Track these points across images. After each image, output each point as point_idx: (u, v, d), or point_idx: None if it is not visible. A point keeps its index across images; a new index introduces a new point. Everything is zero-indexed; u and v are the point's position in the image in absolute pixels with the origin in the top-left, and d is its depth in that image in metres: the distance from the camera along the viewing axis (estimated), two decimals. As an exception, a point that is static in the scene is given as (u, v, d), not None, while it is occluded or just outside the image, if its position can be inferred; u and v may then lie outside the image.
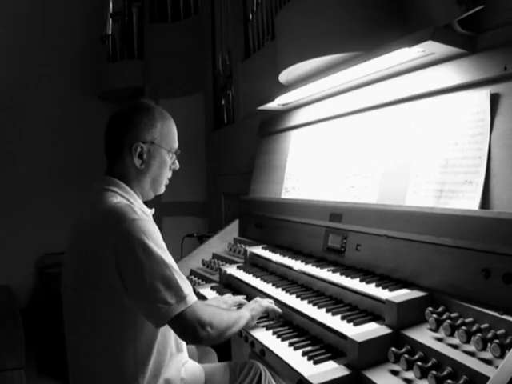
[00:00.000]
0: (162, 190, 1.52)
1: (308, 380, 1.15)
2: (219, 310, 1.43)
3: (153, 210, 1.51)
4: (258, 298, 1.61)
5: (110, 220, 1.25)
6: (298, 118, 2.35)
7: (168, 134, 1.46)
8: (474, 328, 1.09)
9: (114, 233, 1.22)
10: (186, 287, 1.26)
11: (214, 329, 1.28)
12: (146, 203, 1.49)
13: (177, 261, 2.79)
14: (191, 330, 1.25)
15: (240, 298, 1.75)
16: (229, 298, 1.75)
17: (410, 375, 1.10)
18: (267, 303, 1.58)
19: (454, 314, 1.19)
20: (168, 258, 1.26)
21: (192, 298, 1.26)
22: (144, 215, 1.29)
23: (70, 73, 5.42)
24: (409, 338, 1.19)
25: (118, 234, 1.21)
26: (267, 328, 1.51)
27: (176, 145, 1.50)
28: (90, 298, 1.27)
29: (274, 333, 1.47)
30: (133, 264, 1.21)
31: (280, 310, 1.58)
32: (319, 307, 1.47)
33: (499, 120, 1.29)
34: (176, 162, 1.52)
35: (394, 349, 1.15)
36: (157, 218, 1.48)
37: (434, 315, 1.19)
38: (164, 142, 1.44)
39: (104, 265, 1.22)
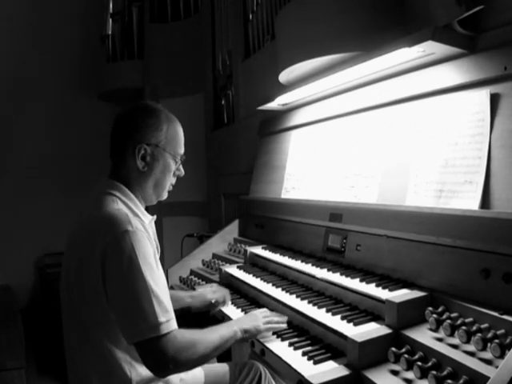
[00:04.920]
0: (165, 195, 1.47)
1: (308, 380, 1.15)
2: (199, 339, 1.24)
3: (154, 216, 1.45)
4: (259, 317, 1.46)
5: (104, 226, 1.22)
6: (297, 117, 2.35)
7: (174, 138, 1.41)
8: (474, 328, 1.09)
9: (105, 240, 1.19)
10: (163, 315, 1.17)
11: (178, 366, 1.19)
12: (148, 209, 1.44)
13: (177, 261, 2.78)
14: (152, 360, 1.17)
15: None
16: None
17: (410, 375, 1.10)
18: (266, 326, 1.44)
19: (454, 314, 1.19)
20: (153, 277, 1.19)
21: (167, 327, 1.16)
22: (140, 227, 1.24)
23: (70, 73, 5.43)
24: (409, 337, 1.19)
25: (108, 242, 1.19)
26: (267, 328, 1.51)
27: (182, 150, 1.45)
28: (81, 300, 1.26)
29: (273, 333, 1.47)
30: (116, 275, 1.19)
31: (285, 326, 1.48)
32: (319, 307, 1.47)
33: (499, 120, 1.29)
34: (181, 168, 1.47)
35: (394, 349, 1.15)
36: (157, 219, 1.46)
37: (434, 315, 1.19)
38: (169, 146, 1.40)
39: (91, 269, 1.20)
